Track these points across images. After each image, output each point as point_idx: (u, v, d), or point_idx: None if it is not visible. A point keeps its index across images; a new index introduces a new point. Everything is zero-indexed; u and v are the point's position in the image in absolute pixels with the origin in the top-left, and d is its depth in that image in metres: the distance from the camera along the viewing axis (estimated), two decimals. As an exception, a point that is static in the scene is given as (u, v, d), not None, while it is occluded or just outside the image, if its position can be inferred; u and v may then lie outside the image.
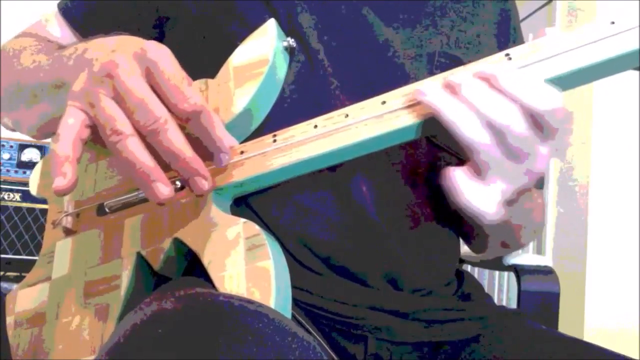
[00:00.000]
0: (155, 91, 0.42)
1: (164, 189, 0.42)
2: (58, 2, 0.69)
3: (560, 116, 0.42)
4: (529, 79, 0.43)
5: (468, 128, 0.43)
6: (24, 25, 0.71)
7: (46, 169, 0.65)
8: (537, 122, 0.43)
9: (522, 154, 0.44)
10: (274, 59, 0.53)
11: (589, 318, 1.56)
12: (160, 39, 0.62)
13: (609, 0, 1.57)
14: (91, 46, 0.48)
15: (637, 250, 1.55)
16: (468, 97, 0.43)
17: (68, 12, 0.68)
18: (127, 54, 0.43)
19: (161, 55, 0.43)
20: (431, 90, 0.45)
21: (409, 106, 0.47)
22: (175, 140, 0.41)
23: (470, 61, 0.61)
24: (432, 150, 0.59)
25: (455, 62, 0.60)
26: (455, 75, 0.45)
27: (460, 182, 0.45)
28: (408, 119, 0.47)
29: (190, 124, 0.44)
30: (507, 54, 0.46)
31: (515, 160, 0.44)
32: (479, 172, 0.45)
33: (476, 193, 0.45)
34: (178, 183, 0.51)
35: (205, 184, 0.45)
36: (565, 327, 0.77)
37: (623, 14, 0.43)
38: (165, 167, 0.43)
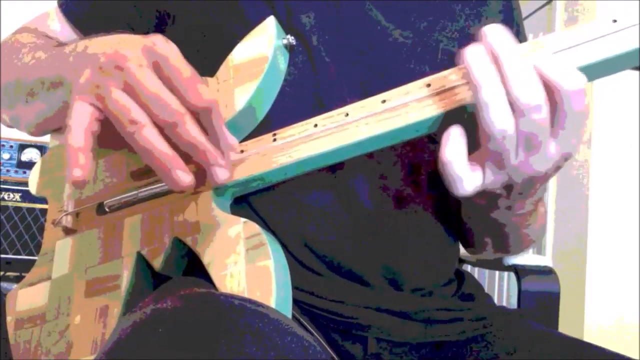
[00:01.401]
0: (165, 85, 0.42)
1: (184, 176, 0.42)
2: (58, -1, 0.69)
3: (579, 107, 0.40)
4: (559, 59, 0.41)
5: (498, 112, 0.40)
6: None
7: (45, 167, 0.65)
8: (554, 110, 0.41)
9: (532, 146, 0.41)
10: (273, 56, 0.53)
11: (589, 318, 1.56)
12: None
13: (609, 0, 1.57)
14: (93, 43, 0.47)
15: (637, 250, 1.55)
16: (507, 71, 0.40)
17: (68, 9, 0.68)
18: (135, 47, 0.43)
19: (170, 49, 0.43)
20: (478, 55, 0.41)
21: (411, 103, 0.47)
22: (195, 132, 0.42)
23: None
24: (433, 148, 0.59)
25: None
26: (496, 39, 0.41)
27: (457, 145, 0.43)
28: (406, 119, 0.47)
29: (200, 120, 0.44)
30: None
31: (525, 152, 0.42)
32: (485, 157, 0.43)
33: (464, 166, 0.43)
34: None
35: (225, 173, 0.45)
36: (565, 327, 0.77)
37: (624, 13, 0.43)
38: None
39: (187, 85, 0.42)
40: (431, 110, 0.46)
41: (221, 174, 0.45)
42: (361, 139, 0.48)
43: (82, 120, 0.42)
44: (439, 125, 0.47)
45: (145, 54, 0.43)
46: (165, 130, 0.42)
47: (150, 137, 0.41)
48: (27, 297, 0.60)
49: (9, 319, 0.60)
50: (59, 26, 0.68)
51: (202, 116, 0.43)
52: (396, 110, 0.47)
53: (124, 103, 0.41)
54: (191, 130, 0.42)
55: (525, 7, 1.89)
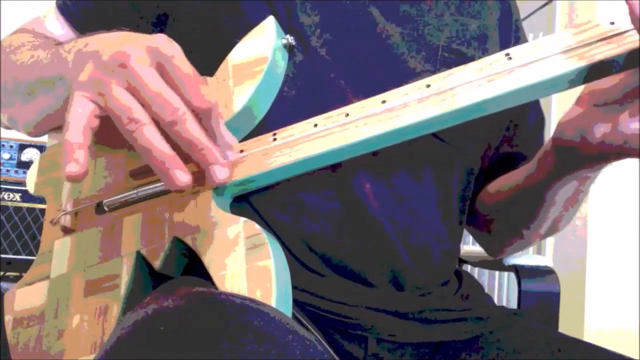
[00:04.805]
0: (167, 85, 0.42)
1: (182, 176, 0.42)
2: (56, -1, 0.69)
3: None
4: None
5: None
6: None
7: (43, 166, 0.65)
8: None
9: None
10: (273, 56, 0.53)
11: (589, 318, 1.56)
12: None
13: (609, 0, 1.57)
14: (93, 40, 0.47)
15: (637, 250, 1.55)
16: None
17: (66, 10, 0.67)
18: (139, 46, 0.43)
19: (174, 50, 0.43)
20: None
21: (411, 103, 0.47)
22: (194, 130, 0.42)
23: (474, 55, 0.61)
24: (435, 146, 0.59)
25: (459, 56, 0.60)
26: None
27: None
28: (405, 119, 0.47)
29: (200, 120, 0.44)
30: (507, 54, 0.46)
31: None
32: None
33: None
34: None
35: (224, 172, 0.45)
36: (565, 327, 0.77)
37: (622, 14, 0.43)
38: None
39: (190, 86, 0.42)
40: (430, 110, 0.46)
41: (220, 174, 0.45)
42: (361, 139, 0.48)
43: (81, 116, 0.42)
44: (440, 126, 0.47)
45: (149, 54, 0.43)
46: (165, 129, 0.42)
47: (150, 136, 0.41)
48: (26, 297, 0.59)
49: (7, 318, 0.60)
50: (58, 27, 0.68)
51: (202, 117, 0.44)
52: (396, 110, 0.47)
53: (125, 101, 0.42)
54: (191, 129, 0.42)
55: (525, 7, 1.89)
